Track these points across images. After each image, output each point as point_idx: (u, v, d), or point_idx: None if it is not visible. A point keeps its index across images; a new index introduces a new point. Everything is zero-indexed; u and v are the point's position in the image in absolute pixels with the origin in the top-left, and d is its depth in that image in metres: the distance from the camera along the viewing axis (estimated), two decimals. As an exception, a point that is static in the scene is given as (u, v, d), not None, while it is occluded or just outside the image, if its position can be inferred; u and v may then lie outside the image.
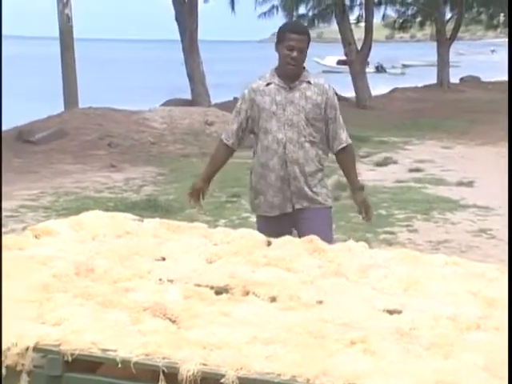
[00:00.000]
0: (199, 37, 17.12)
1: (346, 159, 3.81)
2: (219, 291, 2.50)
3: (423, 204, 7.99)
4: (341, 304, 2.39)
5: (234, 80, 31.44)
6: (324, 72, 41.06)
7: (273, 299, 2.45)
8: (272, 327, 2.10)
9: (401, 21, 29.26)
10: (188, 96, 17.27)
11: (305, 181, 3.69)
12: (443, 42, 25.15)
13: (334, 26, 20.83)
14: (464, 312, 2.28)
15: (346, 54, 20.39)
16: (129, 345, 1.98)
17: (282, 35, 3.60)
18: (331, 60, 46.12)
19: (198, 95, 16.70)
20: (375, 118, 18.14)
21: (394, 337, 2.08)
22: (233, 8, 20.71)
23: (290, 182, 3.68)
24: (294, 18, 22.56)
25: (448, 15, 26.76)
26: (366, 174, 10.10)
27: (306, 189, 3.71)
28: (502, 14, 32.58)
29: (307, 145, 3.64)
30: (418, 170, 10.21)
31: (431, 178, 9.63)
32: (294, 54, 3.53)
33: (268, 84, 3.63)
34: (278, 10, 22.26)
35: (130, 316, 2.20)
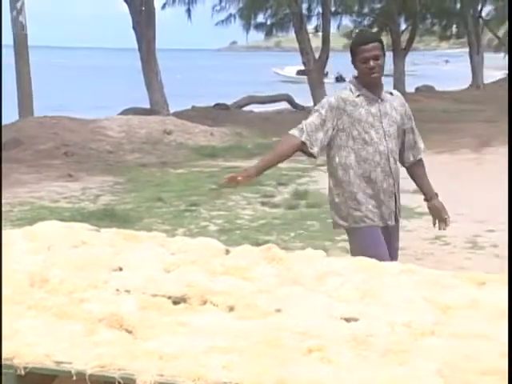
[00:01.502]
0: (157, 45, 17.07)
1: (421, 168, 3.84)
2: (177, 301, 2.48)
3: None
4: (298, 312, 2.39)
5: (192, 89, 31.43)
6: (283, 82, 41.31)
7: (230, 308, 2.44)
8: (229, 336, 2.10)
9: (357, 31, 29.68)
10: (146, 105, 17.19)
11: (399, 194, 3.74)
12: (399, 52, 25.53)
13: (293, 35, 20.98)
14: (419, 319, 2.31)
15: (303, 63, 20.53)
16: (84, 357, 1.95)
17: (355, 50, 3.57)
18: (291, 70, 46.43)
19: (156, 104, 16.64)
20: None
21: (350, 344, 2.09)
22: (189, 16, 20.72)
23: (394, 195, 3.68)
24: (252, 27, 22.74)
25: (403, 26, 27.20)
26: (324, 182, 10.15)
27: (400, 202, 3.77)
28: (454, 26, 33.29)
29: (397, 157, 3.71)
30: (375, 179, 10.31)
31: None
32: (371, 63, 3.51)
33: (358, 95, 3.58)
34: (235, 18, 22.35)
35: (85, 327, 2.17)
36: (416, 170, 3.82)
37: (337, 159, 3.64)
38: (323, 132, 3.56)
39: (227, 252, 3.09)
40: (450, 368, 1.90)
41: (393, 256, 3.65)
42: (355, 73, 3.68)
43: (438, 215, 3.82)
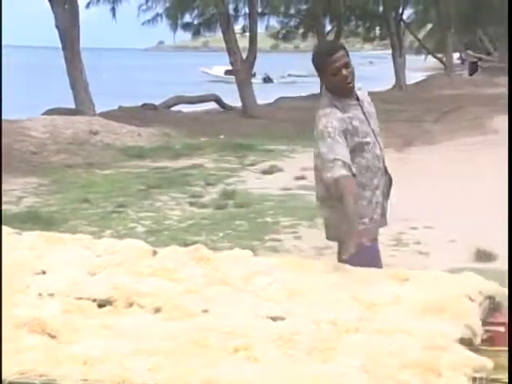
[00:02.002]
0: (82, 44, 16.76)
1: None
2: (102, 304, 2.44)
3: (308, 211, 8.15)
4: (225, 312, 2.39)
5: (118, 89, 31.00)
6: (211, 82, 41.24)
7: (157, 310, 2.42)
8: (155, 338, 2.08)
9: (284, 32, 29.95)
10: (71, 105, 16.85)
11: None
12: (325, 53, 25.85)
13: (220, 35, 20.98)
14: (344, 316, 2.34)
15: (231, 64, 20.56)
16: (4, 364, 1.89)
17: (322, 63, 3.32)
18: (219, 70, 46.39)
19: (82, 104, 16.32)
20: (261, 126, 18.37)
21: (276, 343, 2.10)
22: (114, 15, 20.42)
23: (387, 196, 3.55)
24: (179, 27, 22.61)
25: (328, 27, 27.59)
26: (253, 182, 10.23)
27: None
28: (377, 28, 34.04)
29: None
30: (303, 178, 10.42)
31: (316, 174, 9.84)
32: (343, 72, 3.28)
33: (340, 109, 3.32)
34: (162, 18, 22.18)
35: (5, 333, 2.10)
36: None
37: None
38: (347, 147, 3.28)
39: (154, 253, 3.06)
40: (374, 363, 1.94)
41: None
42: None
43: None
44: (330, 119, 3.27)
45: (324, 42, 3.33)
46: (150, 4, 21.98)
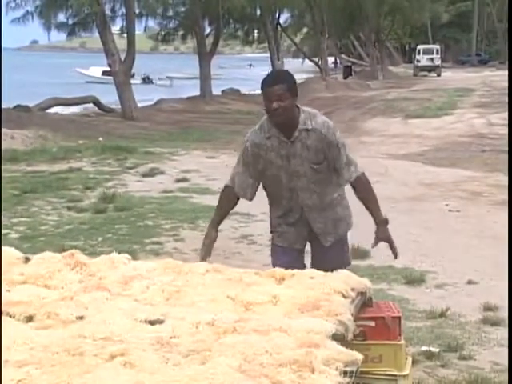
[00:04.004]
0: None
1: (359, 192, 3.60)
2: (-32, 315, 2.33)
3: (189, 213, 8.15)
4: (102, 318, 2.34)
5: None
6: (88, 83, 40.31)
7: (29, 319, 2.34)
8: (26, 348, 2.01)
9: (163, 33, 29.77)
10: None
11: (324, 220, 3.61)
12: (204, 56, 25.96)
13: (98, 36, 20.54)
14: (222, 317, 2.36)
15: (109, 65, 20.19)
16: None
17: (262, 92, 3.51)
18: (96, 71, 45.40)
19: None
20: (141, 129, 18.19)
21: (154, 347, 2.09)
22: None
23: (310, 224, 3.61)
24: (53, 27, 21.90)
25: (208, 30, 27.70)
26: (134, 185, 10.09)
27: (328, 226, 3.63)
28: (255, 31, 34.57)
29: (318, 189, 3.56)
30: (184, 180, 10.40)
31: (197, 188, 9.86)
32: (273, 105, 3.40)
33: (269, 137, 3.51)
34: (33, 16, 21.37)
35: None
36: (357, 195, 3.63)
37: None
38: (250, 177, 3.59)
39: (27, 260, 2.97)
40: (250, 363, 1.97)
41: None
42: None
43: (376, 242, 3.62)
44: (248, 142, 3.58)
45: (271, 73, 3.40)
46: (18, 1, 21.11)
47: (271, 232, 3.78)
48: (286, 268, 3.00)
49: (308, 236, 3.68)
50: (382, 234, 3.57)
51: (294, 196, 3.59)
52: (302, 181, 3.56)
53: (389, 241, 3.58)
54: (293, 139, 3.50)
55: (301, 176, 3.55)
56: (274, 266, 3.42)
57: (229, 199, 3.68)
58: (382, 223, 3.57)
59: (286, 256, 3.61)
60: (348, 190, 3.70)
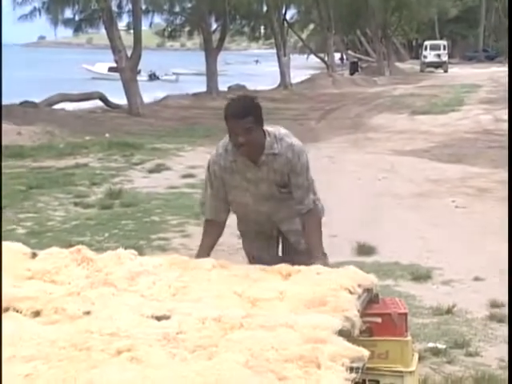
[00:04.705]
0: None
1: (307, 225, 3.46)
2: (-25, 309, 2.34)
3: (196, 209, 8.15)
4: (109, 314, 2.35)
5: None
6: (94, 79, 40.32)
7: (36, 314, 2.35)
8: (34, 343, 2.02)
9: (170, 29, 29.77)
10: None
11: (299, 235, 3.51)
12: (211, 52, 25.95)
13: (104, 32, 20.54)
14: (229, 313, 2.36)
15: (115, 61, 20.20)
16: None
17: (226, 121, 3.32)
18: (102, 67, 45.38)
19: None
20: (148, 125, 18.20)
21: (160, 343, 2.09)
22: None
23: (286, 238, 3.57)
24: (60, 23, 21.93)
25: (214, 26, 27.68)
26: (140, 181, 10.11)
27: (300, 246, 3.53)
28: (262, 27, 34.54)
29: (288, 210, 3.48)
30: (190, 176, 10.41)
31: (202, 184, 9.86)
32: (239, 139, 3.26)
33: (234, 160, 3.38)
34: (40, 12, 21.39)
35: None
36: (304, 225, 3.48)
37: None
38: (221, 201, 3.49)
39: (34, 255, 2.98)
40: (257, 358, 1.97)
41: None
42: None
43: None
44: (213, 164, 3.46)
45: (234, 102, 3.21)
46: (25, -3, 21.13)
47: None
48: (257, 252, 3.02)
49: (282, 253, 3.62)
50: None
51: (263, 218, 3.51)
52: (270, 203, 3.47)
53: None
54: (259, 164, 3.39)
55: (269, 199, 3.46)
56: (249, 255, 3.54)
57: (208, 231, 3.52)
58: (319, 258, 3.31)
59: (256, 241, 3.59)
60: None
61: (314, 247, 3.40)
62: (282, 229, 3.57)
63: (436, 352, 4.14)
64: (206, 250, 3.44)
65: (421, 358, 3.52)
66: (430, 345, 4.24)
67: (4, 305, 2.36)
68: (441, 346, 4.22)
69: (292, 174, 3.42)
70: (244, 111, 3.30)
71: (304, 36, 46.04)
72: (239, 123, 3.25)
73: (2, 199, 6.98)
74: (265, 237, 3.62)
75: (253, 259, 3.60)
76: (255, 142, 3.31)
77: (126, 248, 3.17)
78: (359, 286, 2.73)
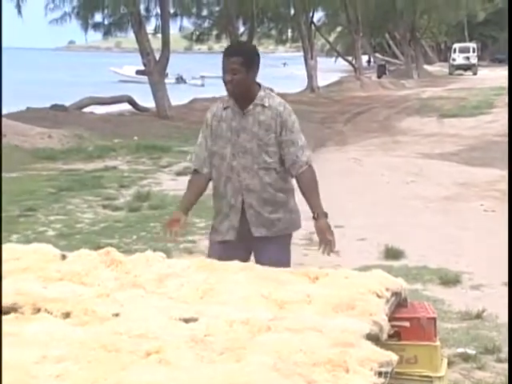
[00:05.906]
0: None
1: (305, 183, 3.48)
2: (6, 311, 2.36)
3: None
4: (137, 315, 2.36)
5: (26, 89, 30.11)
6: (122, 82, 40.63)
7: (66, 315, 2.37)
8: (64, 344, 2.03)
9: (198, 33, 29.91)
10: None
11: (261, 208, 3.51)
12: (238, 55, 25.97)
13: (133, 36, 20.70)
14: (256, 315, 2.36)
15: (144, 64, 20.33)
16: None
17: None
18: (129, 70, 45.73)
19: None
20: (175, 128, 18.27)
21: (188, 345, 2.10)
22: (19, 12, 19.68)
23: (245, 211, 3.52)
24: (90, 27, 22.17)
25: (242, 29, 27.75)
26: (168, 183, 10.15)
27: (264, 216, 3.52)
28: (289, 30, 34.52)
29: (262, 172, 3.48)
30: (217, 179, 10.42)
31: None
32: (226, 76, 3.42)
33: (226, 108, 3.51)
34: (71, 17, 21.64)
35: None
36: (301, 185, 3.51)
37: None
38: (207, 151, 3.54)
39: (63, 257, 3.00)
40: (284, 361, 1.97)
41: None
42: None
43: (321, 237, 3.45)
44: (209, 112, 3.59)
45: (232, 43, 3.45)
46: (57, 3, 21.40)
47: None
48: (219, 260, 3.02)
49: (239, 227, 3.54)
50: (322, 224, 3.44)
51: (233, 177, 3.50)
52: (246, 158, 3.47)
53: (327, 231, 3.44)
54: (246, 112, 3.47)
55: (247, 153, 3.47)
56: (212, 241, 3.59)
57: (195, 181, 3.61)
58: (322, 216, 3.45)
59: (219, 250, 3.54)
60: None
61: (315, 206, 3.46)
62: (245, 199, 3.52)
63: (466, 357, 4.09)
64: (186, 205, 3.61)
65: (450, 364, 3.49)
66: (460, 350, 4.19)
67: (35, 306, 2.39)
68: (470, 351, 4.17)
69: (284, 130, 3.48)
70: (235, 51, 3.51)
71: (331, 39, 45.94)
72: (228, 60, 3.43)
73: (1, 203, 7.02)
74: (229, 208, 3.56)
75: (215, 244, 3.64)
76: (240, 84, 3.43)
77: (154, 250, 3.19)
78: (387, 289, 2.71)
